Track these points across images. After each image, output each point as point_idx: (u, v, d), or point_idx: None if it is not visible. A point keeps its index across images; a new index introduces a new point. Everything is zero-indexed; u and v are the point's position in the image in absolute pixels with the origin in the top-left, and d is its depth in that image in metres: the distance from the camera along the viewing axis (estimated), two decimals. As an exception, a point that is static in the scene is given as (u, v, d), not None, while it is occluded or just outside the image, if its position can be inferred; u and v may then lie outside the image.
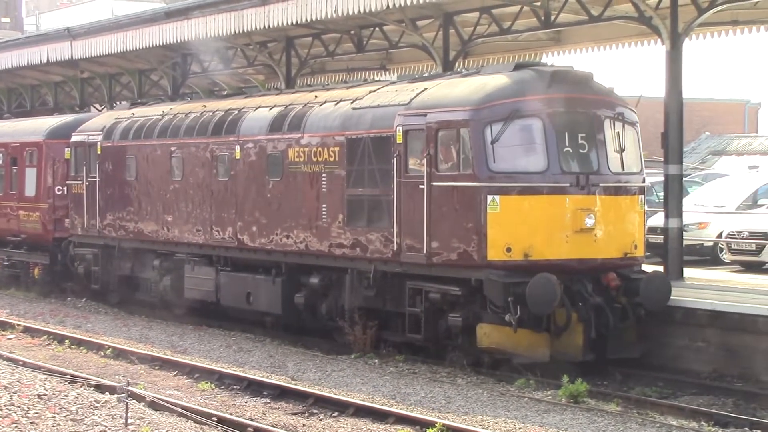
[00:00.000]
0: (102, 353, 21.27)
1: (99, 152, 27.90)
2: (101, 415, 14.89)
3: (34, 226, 30.90)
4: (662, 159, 21.98)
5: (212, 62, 32.29)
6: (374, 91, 20.95)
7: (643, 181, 19.55)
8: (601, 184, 18.46)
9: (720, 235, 25.64)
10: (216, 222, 23.96)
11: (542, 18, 23.97)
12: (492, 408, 15.95)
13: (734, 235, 24.98)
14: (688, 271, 22.19)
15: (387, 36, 27.72)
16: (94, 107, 39.40)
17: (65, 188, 29.69)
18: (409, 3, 22.94)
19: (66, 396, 16.14)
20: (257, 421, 15.21)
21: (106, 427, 14.15)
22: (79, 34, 33.96)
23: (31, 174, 31.24)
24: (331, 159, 20.81)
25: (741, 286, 21.07)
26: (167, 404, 15.66)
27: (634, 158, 19.23)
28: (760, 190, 28.05)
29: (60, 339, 22.82)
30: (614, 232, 18.60)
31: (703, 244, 26.03)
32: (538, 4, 23.62)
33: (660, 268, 20.91)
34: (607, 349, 18.32)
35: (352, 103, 20.89)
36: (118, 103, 35.73)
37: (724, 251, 25.68)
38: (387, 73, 32.18)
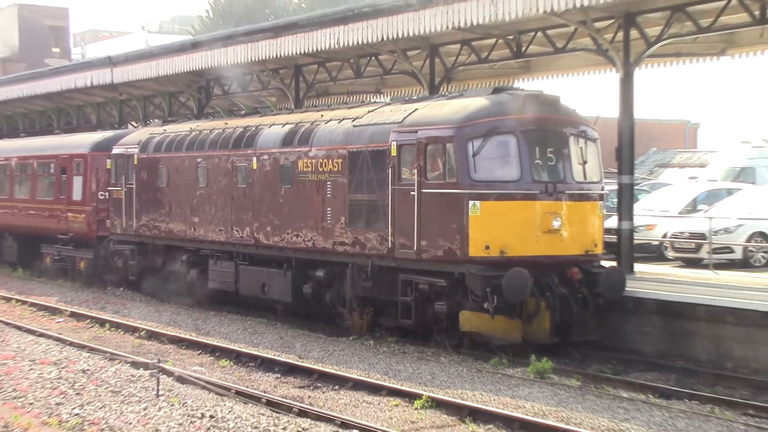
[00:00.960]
0: (137, 335, 21.20)
1: (135, 163, 27.83)
2: (136, 387, 14.84)
3: (80, 226, 30.86)
4: (616, 170, 21.90)
5: (232, 86, 32.27)
6: (372, 111, 20.88)
7: (603, 189, 19.47)
8: (566, 192, 18.38)
9: (665, 236, 25.62)
10: (236, 223, 23.86)
11: (514, 49, 23.95)
12: (470, 382, 15.91)
13: (677, 235, 24.98)
14: (637, 266, 22.13)
15: (381, 64, 27.68)
16: (131, 124, 39.31)
17: (107, 194, 29.63)
18: (400, 36, 23.02)
19: (106, 371, 16.10)
20: (269, 393, 15.19)
21: (140, 397, 14.09)
22: (118, 61, 33.97)
23: (77, 181, 31.20)
24: (335, 169, 20.72)
25: (682, 279, 21.05)
26: (193, 378, 15.61)
27: (594, 169, 19.16)
28: (699, 197, 28.05)
29: (101, 322, 22.71)
30: (577, 232, 18.54)
31: (650, 243, 25.99)
32: (511, 37, 23.62)
33: (613, 264, 20.78)
34: (572, 333, 18.23)
35: (353, 121, 20.81)
36: (151, 120, 35.64)
37: (668, 249, 25.63)
38: (381, 95, 32.10)
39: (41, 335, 20.60)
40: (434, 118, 18.96)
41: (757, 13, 19.64)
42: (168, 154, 26.69)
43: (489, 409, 13.89)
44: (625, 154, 21.55)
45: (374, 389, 15.51)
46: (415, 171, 18.66)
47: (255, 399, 14.63)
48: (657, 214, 26.62)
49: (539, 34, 22.98)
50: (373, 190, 19.74)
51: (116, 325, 22.24)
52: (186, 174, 25.82)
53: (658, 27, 21.26)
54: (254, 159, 23.26)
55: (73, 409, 13.21)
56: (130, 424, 12.36)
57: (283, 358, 17.92)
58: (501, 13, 20.54)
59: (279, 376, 16.95)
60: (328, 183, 20.91)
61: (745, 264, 23.60)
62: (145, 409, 13.30)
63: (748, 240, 23.86)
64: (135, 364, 16.90)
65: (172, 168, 26.42)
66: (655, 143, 53.68)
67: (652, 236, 25.98)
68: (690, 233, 24.59)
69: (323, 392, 15.63)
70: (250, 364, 17.97)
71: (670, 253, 25.49)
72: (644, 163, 49.68)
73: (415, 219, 18.64)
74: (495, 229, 17.89)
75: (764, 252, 23.98)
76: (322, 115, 22.26)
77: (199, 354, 19.09)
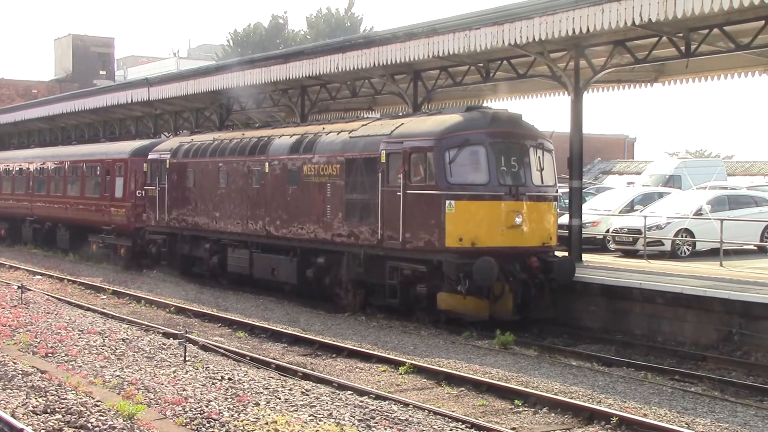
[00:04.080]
0: (167, 310, 21.06)
1: (167, 167, 27.67)
2: (167, 354, 14.72)
3: (121, 218, 30.71)
4: (568, 176, 21.86)
5: (248, 103, 32.14)
6: (365, 125, 20.78)
7: (556, 191, 19.41)
8: (527, 193, 18.32)
9: (608, 231, 25.59)
10: (250, 217, 23.74)
11: (484, 75, 23.87)
12: (446, 352, 15.85)
13: (617, 230, 24.93)
14: (585, 256, 22.06)
15: (373, 86, 27.60)
16: (164, 134, 39.09)
17: (143, 192, 29.46)
18: (389, 63, 23.01)
19: (142, 340, 15.97)
20: (278, 360, 15.11)
21: (170, 362, 13.97)
22: (154, 82, 33.84)
23: (119, 181, 31.05)
24: (334, 173, 20.60)
25: (621, 267, 20.99)
26: (214, 347, 15.48)
27: (550, 175, 19.10)
28: (636, 199, 28.02)
29: (138, 299, 22.58)
30: (536, 227, 18.45)
31: (596, 236, 25.92)
32: (481, 65, 23.54)
33: (565, 254, 20.72)
34: (531, 311, 18.18)
35: (349, 133, 20.69)
36: (181, 131, 35.48)
37: (610, 242, 25.56)
38: (373, 112, 32.05)
39: (88, 309, 20.45)
40: (417, 131, 18.87)
41: (683, 48, 19.70)
42: (195, 159, 26.54)
43: (461, 375, 13.82)
44: (575, 162, 21.52)
45: (366, 357, 15.42)
46: (401, 175, 18.57)
47: (266, 364, 14.54)
48: (601, 213, 26.58)
49: (504, 62, 22.96)
50: (366, 191, 19.63)
51: (150, 302, 22.10)
52: (209, 176, 25.67)
53: (602, 58, 21.26)
54: (266, 164, 23.13)
55: (115, 371, 13.10)
56: (162, 384, 12.25)
57: (289, 330, 17.83)
58: (473, 44, 20.54)
59: (286, 345, 16.86)
60: (328, 185, 20.80)
61: (673, 255, 23.58)
62: (174, 372, 13.18)
63: (676, 235, 23.85)
64: (166, 335, 16.78)
65: (198, 171, 26.27)
66: (600, 154, 53.72)
67: (597, 231, 25.93)
68: (628, 229, 24.57)
69: (323, 359, 15.55)
70: (262, 335, 17.87)
71: (611, 246, 25.42)
72: (590, 171, 49.70)
73: (400, 215, 18.54)
74: (467, 225, 17.81)
75: (688, 245, 23.96)
76: (323, 128, 22.14)
77: (220, 326, 18.99)
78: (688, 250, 23.97)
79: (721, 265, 21.20)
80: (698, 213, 24.07)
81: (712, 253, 22.88)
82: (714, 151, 68.75)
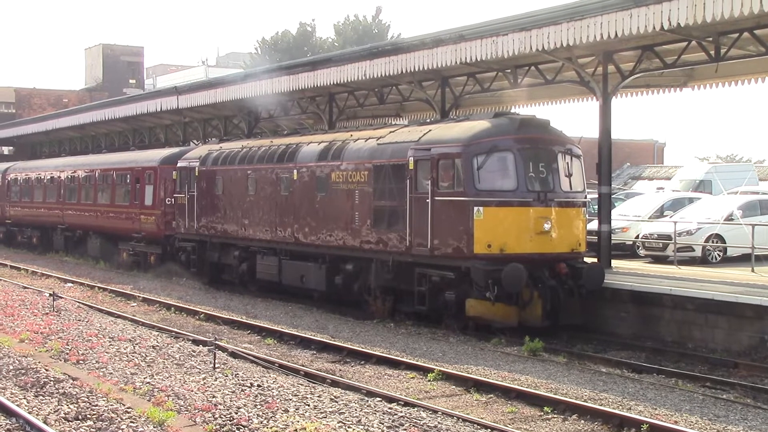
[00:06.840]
0: (197, 317, 21.17)
1: (197, 174, 27.84)
2: (197, 361, 14.79)
3: (150, 226, 30.92)
4: (597, 182, 21.77)
5: (276, 111, 32.26)
6: (393, 132, 20.80)
7: (585, 197, 19.33)
8: (555, 199, 18.26)
9: (637, 236, 25.45)
10: (279, 224, 23.82)
11: (511, 81, 23.81)
12: (474, 359, 15.79)
13: (647, 236, 24.79)
14: (614, 262, 21.97)
15: (401, 92, 27.64)
16: (193, 142, 39.39)
17: (173, 200, 29.65)
18: (416, 69, 23.01)
19: (172, 347, 16.07)
20: (307, 367, 15.08)
21: (200, 369, 14.03)
22: (183, 90, 34.08)
23: (149, 189, 31.27)
24: (362, 180, 20.64)
25: (651, 273, 20.87)
26: (243, 354, 15.54)
27: (578, 181, 19.02)
28: (665, 204, 27.88)
29: (168, 307, 22.70)
30: (564, 234, 18.39)
31: (625, 242, 25.78)
32: (509, 71, 23.48)
33: (594, 260, 20.64)
34: (559, 318, 18.10)
35: (377, 140, 20.73)
36: (210, 139, 35.68)
37: (640, 248, 25.42)
38: (400, 119, 32.08)
39: (119, 317, 20.60)
40: (445, 137, 18.87)
41: (712, 52, 19.58)
42: (223, 167, 26.69)
43: (490, 381, 13.77)
44: (603, 168, 21.43)
45: (394, 364, 15.40)
46: (429, 182, 18.57)
47: (295, 371, 14.55)
48: (631, 219, 26.44)
49: (532, 68, 22.89)
50: (394, 198, 19.65)
51: (180, 309, 22.22)
52: (238, 183, 25.80)
53: (631, 63, 21.17)
54: (295, 171, 23.21)
55: (145, 378, 13.19)
56: (192, 391, 12.31)
57: (318, 337, 17.85)
58: (500, 50, 20.51)
59: (315, 352, 16.88)
60: (357, 191, 20.84)
61: (703, 261, 23.41)
62: (204, 379, 13.25)
63: (706, 241, 23.68)
64: (195, 342, 16.85)
65: (227, 178, 26.41)
66: (629, 159, 53.42)
67: (627, 237, 25.80)
68: (658, 235, 24.43)
69: (352, 366, 15.54)
70: (291, 342, 17.90)
71: (641, 251, 25.29)
72: (620, 176, 49.40)
73: (428, 222, 18.54)
74: (496, 231, 17.78)
75: (719, 251, 23.77)
76: (351, 135, 22.20)
77: (249, 333, 19.05)
78: (719, 255, 23.78)
79: (752, 271, 21.02)
80: (729, 218, 23.87)
81: (744, 259, 22.67)
82: (745, 156, 68.23)
